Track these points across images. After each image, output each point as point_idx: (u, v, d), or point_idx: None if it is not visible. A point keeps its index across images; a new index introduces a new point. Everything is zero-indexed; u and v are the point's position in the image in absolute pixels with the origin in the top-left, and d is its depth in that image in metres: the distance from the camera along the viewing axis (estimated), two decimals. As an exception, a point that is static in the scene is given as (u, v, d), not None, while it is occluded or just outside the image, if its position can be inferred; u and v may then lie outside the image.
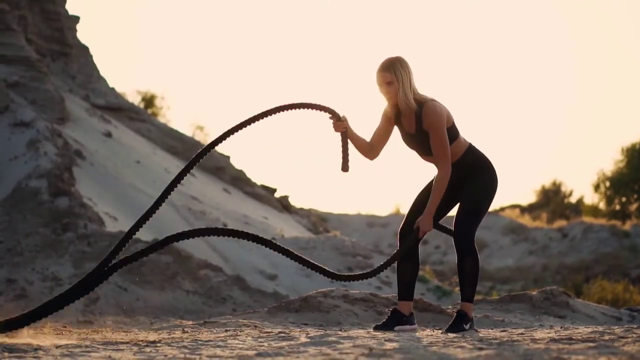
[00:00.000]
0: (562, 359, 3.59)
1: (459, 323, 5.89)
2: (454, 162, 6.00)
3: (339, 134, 6.08)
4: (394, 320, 6.07)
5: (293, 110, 6.06)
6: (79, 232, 16.08)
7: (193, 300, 14.85)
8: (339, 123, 6.05)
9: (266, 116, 6.01)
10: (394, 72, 5.88)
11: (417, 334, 5.73)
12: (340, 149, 6.07)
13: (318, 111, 6.08)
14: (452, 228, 6.01)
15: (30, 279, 14.73)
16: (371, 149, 6.10)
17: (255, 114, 6.04)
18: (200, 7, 74.86)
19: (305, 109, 6.06)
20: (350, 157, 6.08)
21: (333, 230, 27.81)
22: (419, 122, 5.91)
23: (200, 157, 6.11)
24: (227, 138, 6.09)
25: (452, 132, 5.96)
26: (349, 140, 6.08)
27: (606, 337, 4.80)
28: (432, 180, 6.09)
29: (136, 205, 18.92)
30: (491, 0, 79.93)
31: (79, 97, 23.98)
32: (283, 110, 6.06)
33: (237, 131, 6.03)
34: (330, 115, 6.06)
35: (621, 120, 71.64)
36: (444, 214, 6.14)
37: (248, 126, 6.05)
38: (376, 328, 6.10)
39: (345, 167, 6.09)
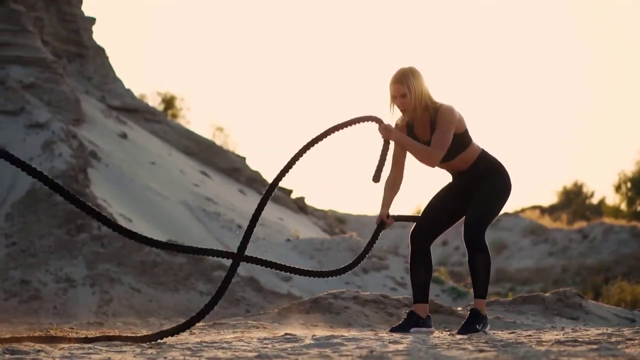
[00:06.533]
0: (560, 361, 3.54)
1: (472, 324, 5.84)
2: (466, 168, 5.97)
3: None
4: (410, 323, 6.04)
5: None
6: (92, 234, 16.08)
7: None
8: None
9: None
10: (406, 84, 5.84)
11: (427, 336, 5.64)
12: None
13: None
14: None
15: (44, 280, 14.73)
16: (396, 183, 6.03)
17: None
18: (220, 8, 75.04)
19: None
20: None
21: (351, 231, 27.74)
22: (433, 127, 5.85)
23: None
24: None
25: (465, 139, 5.94)
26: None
27: (613, 339, 4.73)
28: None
29: (151, 206, 18.90)
30: (510, 2, 79.75)
31: (94, 98, 24.03)
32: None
33: None
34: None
35: (642, 120, 71.25)
36: (455, 220, 6.09)
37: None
38: (392, 330, 6.07)
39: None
